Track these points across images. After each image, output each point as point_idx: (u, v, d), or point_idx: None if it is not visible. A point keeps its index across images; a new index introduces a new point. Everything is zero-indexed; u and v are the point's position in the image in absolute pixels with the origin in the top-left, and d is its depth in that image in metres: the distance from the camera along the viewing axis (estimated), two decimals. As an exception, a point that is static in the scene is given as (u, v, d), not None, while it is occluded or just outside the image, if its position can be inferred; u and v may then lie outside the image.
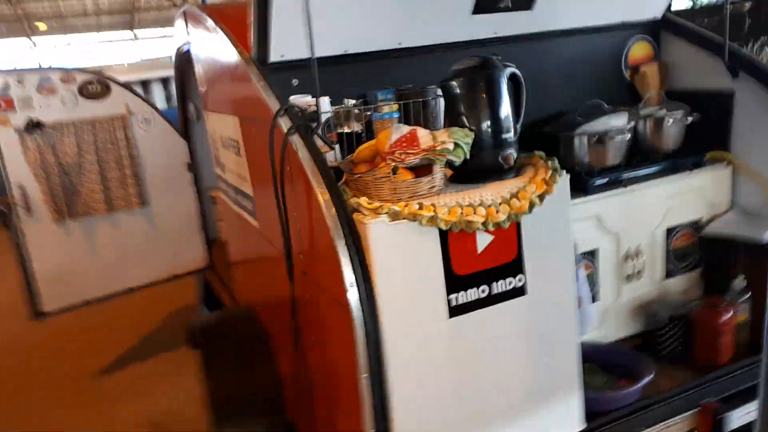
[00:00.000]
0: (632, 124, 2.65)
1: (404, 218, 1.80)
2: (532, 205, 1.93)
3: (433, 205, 1.84)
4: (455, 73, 2.05)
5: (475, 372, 1.96)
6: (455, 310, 1.90)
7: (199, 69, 3.31)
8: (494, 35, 2.67)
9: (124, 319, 5.43)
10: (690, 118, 2.73)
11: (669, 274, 2.80)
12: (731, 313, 2.52)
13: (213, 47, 2.82)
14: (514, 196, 1.93)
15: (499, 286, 1.95)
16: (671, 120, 2.73)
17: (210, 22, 2.71)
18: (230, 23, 2.65)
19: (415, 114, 2.40)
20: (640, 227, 2.68)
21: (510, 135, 2.04)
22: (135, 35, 27.44)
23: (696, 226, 2.81)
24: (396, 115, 2.36)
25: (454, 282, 1.88)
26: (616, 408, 2.25)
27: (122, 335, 5.24)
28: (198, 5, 3.09)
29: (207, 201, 4.74)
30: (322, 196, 1.82)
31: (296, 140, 1.95)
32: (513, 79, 2.10)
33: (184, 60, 4.10)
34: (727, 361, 2.52)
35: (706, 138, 2.82)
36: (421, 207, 1.83)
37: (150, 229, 4.38)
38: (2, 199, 3.78)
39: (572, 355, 2.12)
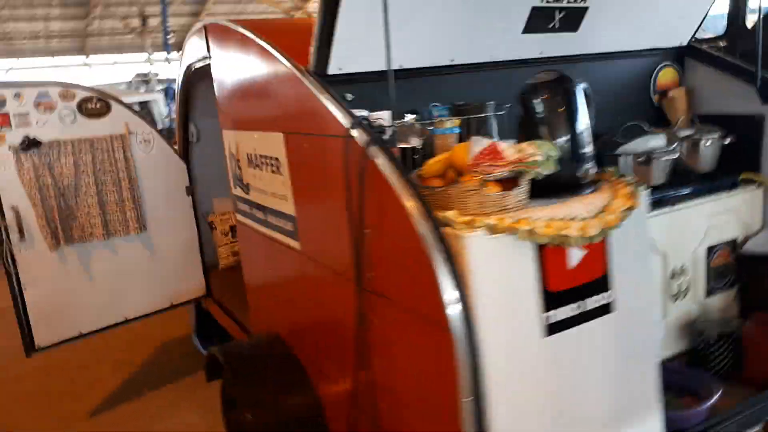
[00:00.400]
0: (676, 144, 2.68)
1: (502, 232, 1.73)
2: (621, 220, 1.90)
3: (527, 218, 1.78)
4: (534, 87, 2.02)
5: (568, 392, 1.89)
6: (551, 329, 1.83)
7: (221, 86, 3.19)
8: (540, 55, 2.67)
9: (114, 352, 5.10)
10: (727, 140, 2.79)
11: (710, 292, 2.81)
12: (781, 330, 2.55)
13: (250, 61, 2.71)
14: (604, 210, 1.89)
15: (590, 303, 1.90)
16: (709, 141, 2.78)
17: (250, 35, 2.61)
18: (272, 37, 2.56)
19: (474, 130, 2.35)
20: (685, 246, 2.70)
21: (589, 150, 2.02)
22: (86, 62, 26.77)
23: (733, 245, 2.85)
24: (457, 131, 2.30)
25: (549, 299, 1.82)
26: (689, 426, 2.21)
27: (113, 370, 4.91)
28: (226, 19, 2.98)
29: (203, 226, 4.55)
30: (413, 210, 1.74)
31: (375, 153, 1.87)
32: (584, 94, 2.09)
33: (192, 79, 3.97)
34: (779, 377, 2.53)
35: (737, 160, 2.88)
36: (516, 221, 1.77)
37: (148, 256, 4.14)
38: (-7, 223, 3.51)
39: (654, 373, 2.07)
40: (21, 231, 3.59)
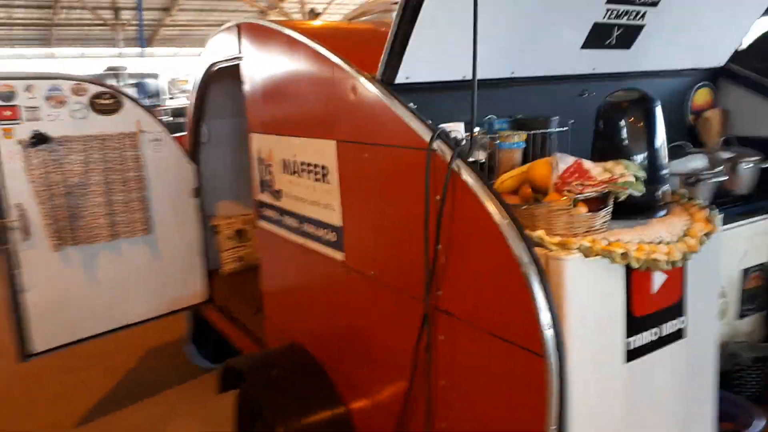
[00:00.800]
0: (722, 167, 2.70)
1: (597, 255, 1.69)
2: (701, 244, 1.88)
3: (619, 241, 1.74)
4: (615, 104, 1.99)
5: (642, 419, 1.85)
6: (632, 354, 1.79)
7: (253, 87, 3.08)
8: (593, 71, 2.65)
9: (105, 356, 4.88)
10: (767, 164, 2.82)
11: (742, 315, 2.83)
12: (818, 354, 2.57)
13: (298, 64, 2.62)
14: (686, 234, 1.87)
15: (665, 329, 1.87)
16: (749, 164, 2.80)
17: (304, 39, 2.52)
18: (326, 42, 2.48)
19: (537, 145, 2.31)
20: (725, 268, 2.71)
21: (667, 171, 2.00)
22: (52, 53, 25.91)
23: (763, 269, 2.87)
24: (522, 146, 2.26)
25: (632, 323, 1.78)
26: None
27: (103, 375, 4.70)
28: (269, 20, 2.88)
29: (207, 230, 4.40)
30: (506, 229, 1.68)
31: (462, 168, 1.81)
32: (657, 115, 2.07)
33: (212, 79, 3.84)
34: (815, 403, 2.55)
35: (768, 184, 2.91)
36: (609, 243, 1.72)
37: (152, 260, 3.98)
38: (-1, 221, 3.31)
39: (713, 399, 2.06)
40: (26, 230, 3.40)
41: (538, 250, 1.70)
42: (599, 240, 1.72)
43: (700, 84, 3.13)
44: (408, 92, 2.21)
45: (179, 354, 4.89)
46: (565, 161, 1.87)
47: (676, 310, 1.90)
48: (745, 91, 3.10)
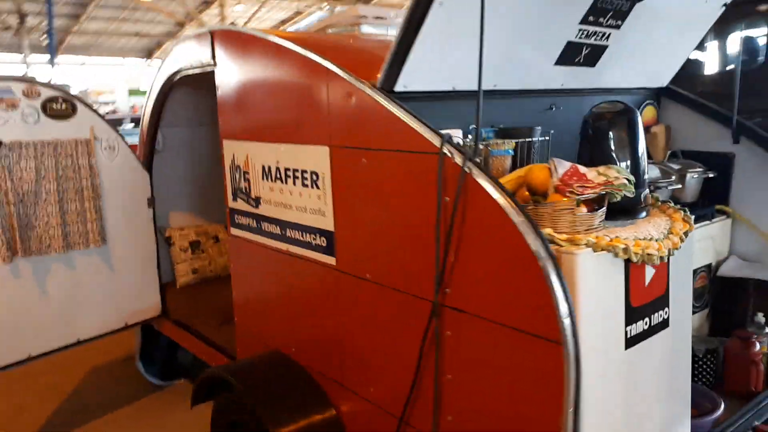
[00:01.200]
0: (674, 177, 2.97)
1: (602, 249, 1.84)
2: (682, 241, 2.08)
3: (619, 237, 1.90)
4: (601, 115, 2.17)
5: (638, 401, 2.01)
6: (630, 342, 1.95)
7: (228, 94, 3.06)
8: (561, 86, 2.85)
9: (39, 376, 4.58)
10: (711, 174, 3.12)
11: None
12: (759, 345, 2.87)
13: (283, 72, 2.65)
14: (671, 232, 2.06)
15: (654, 318, 2.05)
16: (695, 175, 3.09)
17: (292, 46, 2.56)
18: (318, 50, 2.53)
19: (523, 153, 2.47)
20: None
21: (647, 176, 2.20)
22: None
23: (708, 269, 3.17)
24: (511, 153, 2.40)
25: (630, 313, 1.95)
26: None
27: (40, 397, 4.41)
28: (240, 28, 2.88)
29: (160, 242, 4.28)
30: (523, 226, 1.79)
31: (474, 170, 1.91)
32: (635, 126, 2.28)
33: (173, 87, 3.76)
34: (761, 387, 2.84)
35: (711, 193, 3.23)
36: (610, 239, 1.88)
37: (106, 272, 3.81)
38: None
39: (688, 384, 2.27)
40: (-26, 241, 3.18)
41: (553, 246, 1.83)
42: (602, 236, 1.88)
43: (646, 102, 3.42)
44: (402, 101, 2.31)
45: (123, 369, 4.68)
46: (563, 165, 2.02)
47: (663, 301, 2.08)
48: (684, 109, 3.43)
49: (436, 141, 2.01)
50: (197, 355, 3.85)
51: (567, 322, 1.72)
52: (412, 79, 2.27)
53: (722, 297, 3.19)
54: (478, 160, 2.26)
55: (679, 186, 2.93)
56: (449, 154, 1.96)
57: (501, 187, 1.87)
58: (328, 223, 2.55)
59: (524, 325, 1.82)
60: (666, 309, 2.10)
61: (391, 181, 2.22)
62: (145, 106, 4.07)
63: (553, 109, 2.94)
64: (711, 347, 2.92)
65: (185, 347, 3.97)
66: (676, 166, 3.13)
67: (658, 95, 3.49)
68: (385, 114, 2.17)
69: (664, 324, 2.10)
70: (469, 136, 2.38)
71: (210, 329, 3.72)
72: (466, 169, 1.91)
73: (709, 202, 3.22)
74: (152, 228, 4.08)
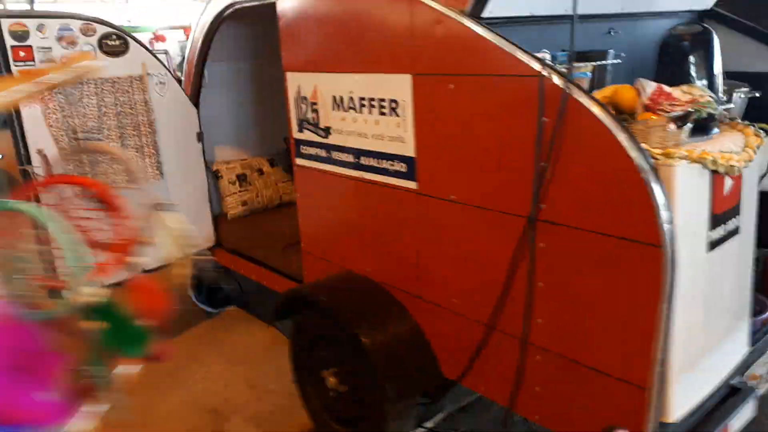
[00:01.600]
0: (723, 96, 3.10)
1: (695, 162, 2.01)
2: (755, 154, 2.25)
3: (706, 150, 2.07)
4: (681, 36, 2.29)
5: (717, 297, 2.24)
6: (711, 245, 2.15)
7: (293, 26, 3.11)
8: (621, 11, 2.94)
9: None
10: (757, 93, 3.26)
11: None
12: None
13: (357, 2, 2.72)
14: (746, 146, 2.23)
15: (729, 225, 2.25)
16: (741, 94, 3.23)
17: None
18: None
19: (596, 75, 2.59)
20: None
21: (722, 94, 2.34)
22: None
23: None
24: (589, 75, 2.52)
25: (713, 220, 2.13)
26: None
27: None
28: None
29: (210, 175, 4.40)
30: (626, 142, 1.94)
31: (576, 92, 2.04)
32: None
33: (225, 21, 3.78)
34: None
35: (756, 112, 3.38)
36: (700, 153, 2.04)
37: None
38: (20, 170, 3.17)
39: (750, 287, 2.50)
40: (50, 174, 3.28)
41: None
42: (692, 150, 2.04)
43: (691, 23, 3.51)
44: (489, 26, 2.40)
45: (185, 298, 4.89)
46: (650, 86, 2.16)
47: (736, 210, 2.27)
48: (728, 30, 3.52)
49: (533, 64, 2.12)
50: (258, 281, 4.03)
51: (667, 227, 1.90)
52: (496, 5, 2.36)
53: (764, 210, 3.39)
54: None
55: (732, 105, 3.07)
56: (548, 76, 2.08)
57: (603, 107, 2.00)
58: (408, 149, 2.68)
59: (626, 232, 2.00)
60: (738, 217, 2.29)
61: (482, 105, 2.34)
62: (192, 41, 4.08)
63: (611, 33, 3.04)
64: (757, 256, 3.14)
65: (244, 275, 4.15)
66: (723, 86, 3.26)
67: (702, 17, 3.58)
68: (477, 40, 2.27)
69: (736, 231, 2.30)
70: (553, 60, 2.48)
71: (272, 255, 3.89)
72: (567, 90, 2.04)
73: (754, 120, 3.37)
74: (202, 162, 4.18)
